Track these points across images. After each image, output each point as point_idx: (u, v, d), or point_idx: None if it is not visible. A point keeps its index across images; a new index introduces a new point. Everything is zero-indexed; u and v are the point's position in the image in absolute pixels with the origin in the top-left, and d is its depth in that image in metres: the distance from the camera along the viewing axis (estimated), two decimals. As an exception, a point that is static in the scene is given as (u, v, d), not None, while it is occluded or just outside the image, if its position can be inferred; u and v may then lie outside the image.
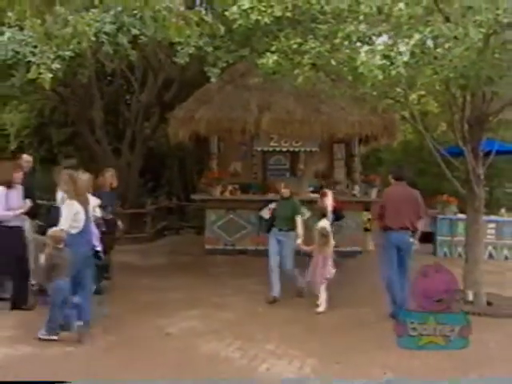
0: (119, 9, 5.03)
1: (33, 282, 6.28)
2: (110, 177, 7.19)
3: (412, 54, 4.60)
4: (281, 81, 7.57)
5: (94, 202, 5.66)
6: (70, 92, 10.13)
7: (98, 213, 5.92)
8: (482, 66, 4.66)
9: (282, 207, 6.69)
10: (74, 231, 5.01)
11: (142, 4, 2.82)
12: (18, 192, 5.96)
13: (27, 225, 6.34)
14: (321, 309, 6.01)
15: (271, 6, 5.97)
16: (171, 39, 5.44)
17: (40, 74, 4.93)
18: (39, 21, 3.59)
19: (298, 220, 6.54)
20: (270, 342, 5.04)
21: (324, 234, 6.26)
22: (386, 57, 4.72)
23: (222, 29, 3.93)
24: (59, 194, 5.87)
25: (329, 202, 6.94)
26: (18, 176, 5.99)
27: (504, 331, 5.57)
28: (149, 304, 6.26)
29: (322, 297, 6.08)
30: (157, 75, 10.62)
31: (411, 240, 5.87)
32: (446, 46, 4.67)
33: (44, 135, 13.38)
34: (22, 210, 5.91)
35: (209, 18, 3.56)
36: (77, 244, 5.00)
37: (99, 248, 5.73)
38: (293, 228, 6.52)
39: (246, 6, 6.08)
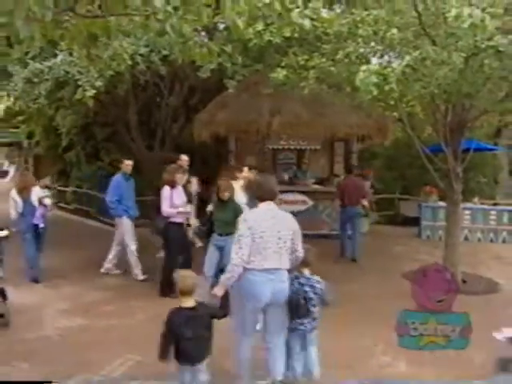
0: (151, 35, 5.01)
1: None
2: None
3: (403, 73, 4.52)
4: (289, 90, 7.52)
5: (39, 193, 6.48)
6: (110, 99, 10.13)
7: (47, 201, 6.56)
8: (462, 84, 4.58)
9: (220, 210, 5.26)
10: (19, 211, 6.20)
11: (172, 42, 2.84)
12: (180, 192, 5.84)
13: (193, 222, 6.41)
14: None
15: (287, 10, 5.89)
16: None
17: (85, 90, 4.97)
18: (85, 50, 3.60)
19: None
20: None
21: None
22: (380, 74, 4.64)
23: (240, 58, 3.88)
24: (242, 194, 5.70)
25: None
26: (181, 177, 5.87)
27: (476, 306, 5.56)
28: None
29: None
30: (183, 84, 10.58)
31: (360, 211, 8.06)
32: (431, 64, 4.60)
33: (89, 133, 13.40)
34: (183, 209, 5.73)
35: (228, 48, 3.54)
36: (20, 219, 6.23)
37: (42, 225, 6.36)
38: (233, 232, 5.18)
39: (260, 28, 6.03)
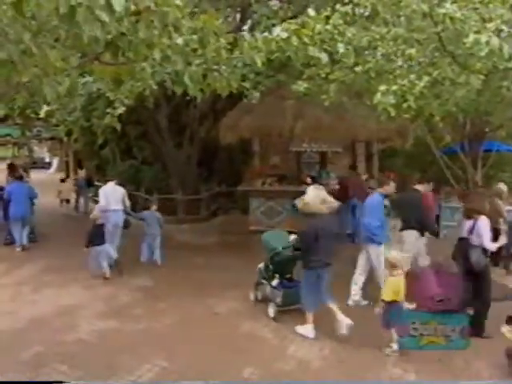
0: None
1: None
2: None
3: (421, 93, 4.38)
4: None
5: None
6: (141, 103, 10.23)
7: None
8: (480, 103, 4.41)
9: None
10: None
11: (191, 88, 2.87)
12: None
13: None
14: None
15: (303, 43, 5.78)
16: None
17: (114, 108, 5.08)
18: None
19: None
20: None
21: None
22: (398, 95, 4.51)
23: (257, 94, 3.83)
24: None
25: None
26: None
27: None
28: (201, 284, 6.34)
29: None
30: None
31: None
32: (450, 84, 4.44)
33: (123, 131, 13.58)
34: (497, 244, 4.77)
35: (247, 84, 3.51)
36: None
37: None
38: None
39: (281, 43, 5.92)
